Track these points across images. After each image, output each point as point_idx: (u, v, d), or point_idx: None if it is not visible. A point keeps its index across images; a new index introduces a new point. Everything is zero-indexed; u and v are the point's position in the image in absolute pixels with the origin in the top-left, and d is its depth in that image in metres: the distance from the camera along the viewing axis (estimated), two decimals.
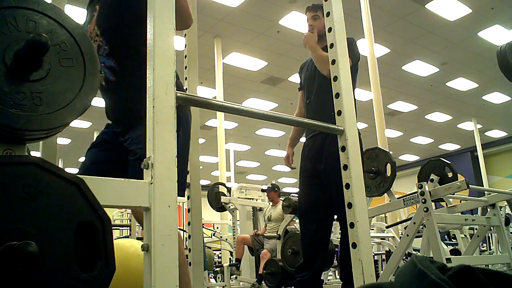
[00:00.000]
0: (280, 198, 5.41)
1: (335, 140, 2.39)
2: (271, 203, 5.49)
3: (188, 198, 2.03)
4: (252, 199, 6.32)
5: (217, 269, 7.22)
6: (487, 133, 13.68)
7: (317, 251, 2.58)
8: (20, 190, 0.73)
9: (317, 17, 2.72)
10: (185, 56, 2.18)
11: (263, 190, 5.73)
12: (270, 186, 5.56)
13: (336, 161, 2.43)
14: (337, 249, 3.17)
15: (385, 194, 3.18)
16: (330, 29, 1.51)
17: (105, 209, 0.83)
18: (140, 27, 1.71)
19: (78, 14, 6.54)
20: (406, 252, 2.82)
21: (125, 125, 1.79)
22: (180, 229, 5.65)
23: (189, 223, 2.03)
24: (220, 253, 8.48)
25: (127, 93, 1.73)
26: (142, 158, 1.67)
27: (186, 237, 5.59)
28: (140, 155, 1.68)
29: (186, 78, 2.15)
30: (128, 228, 6.19)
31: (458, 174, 3.20)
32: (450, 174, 3.17)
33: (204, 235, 4.81)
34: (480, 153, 12.39)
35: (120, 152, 1.75)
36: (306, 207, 2.67)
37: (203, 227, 2.94)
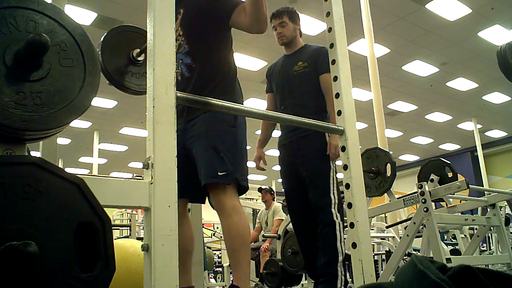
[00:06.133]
0: (279, 201, 5.41)
1: (313, 142, 2.40)
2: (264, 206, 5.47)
3: None
4: (252, 199, 6.31)
5: (217, 269, 7.22)
6: (487, 133, 13.66)
7: (315, 245, 2.50)
8: (20, 190, 0.73)
9: (284, 23, 2.63)
10: None
11: (259, 190, 5.72)
12: (267, 188, 5.55)
13: (311, 161, 2.44)
14: None
15: (385, 194, 3.17)
16: (330, 29, 1.51)
17: (105, 209, 0.83)
18: (220, 32, 1.91)
19: (78, 14, 6.54)
20: (406, 252, 2.81)
21: (184, 119, 1.86)
22: None
23: None
24: (220, 253, 8.47)
25: (196, 88, 1.81)
26: (201, 154, 1.75)
27: None
28: (198, 152, 1.78)
29: None
30: (128, 228, 6.18)
31: (458, 174, 3.20)
32: (450, 174, 3.17)
33: (204, 235, 4.81)
34: (480, 153, 12.38)
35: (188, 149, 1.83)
36: (291, 201, 2.66)
37: (203, 227, 2.94)
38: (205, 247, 4.55)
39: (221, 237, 7.31)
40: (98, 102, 9.47)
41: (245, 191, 1.82)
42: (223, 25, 1.89)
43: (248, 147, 1.94)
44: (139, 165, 13.19)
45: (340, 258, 2.34)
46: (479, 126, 12.49)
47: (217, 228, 8.65)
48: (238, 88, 1.96)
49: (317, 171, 2.47)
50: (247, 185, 1.81)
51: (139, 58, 1.94)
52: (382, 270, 4.23)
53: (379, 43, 7.81)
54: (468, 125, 12.74)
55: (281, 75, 2.72)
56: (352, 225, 1.33)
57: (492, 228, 3.54)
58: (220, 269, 7.25)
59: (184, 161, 1.78)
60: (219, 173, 1.70)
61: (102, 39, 1.87)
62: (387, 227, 4.94)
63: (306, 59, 2.60)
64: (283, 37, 2.67)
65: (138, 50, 1.94)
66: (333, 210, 2.37)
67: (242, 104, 1.90)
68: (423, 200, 2.51)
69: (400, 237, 3.37)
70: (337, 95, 1.44)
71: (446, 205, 3.33)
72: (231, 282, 2.04)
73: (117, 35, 1.94)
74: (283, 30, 2.65)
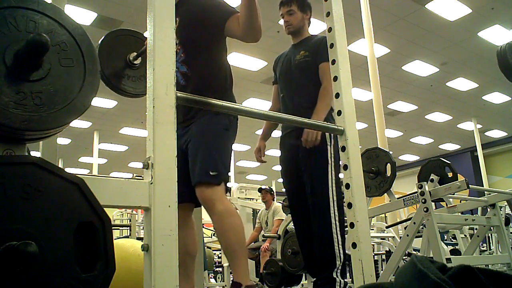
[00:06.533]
0: (279, 202, 5.42)
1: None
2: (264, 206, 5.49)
3: None
4: (252, 199, 6.31)
5: (217, 269, 7.21)
6: (487, 133, 13.66)
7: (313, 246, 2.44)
8: (20, 190, 0.73)
9: (292, 12, 2.58)
10: None
11: (259, 190, 5.72)
12: (267, 188, 5.56)
13: (309, 155, 2.42)
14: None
15: (385, 194, 3.17)
16: (330, 29, 1.51)
17: (105, 209, 0.83)
18: (215, 40, 1.93)
19: (78, 14, 6.54)
20: (406, 252, 2.81)
21: (180, 126, 1.87)
22: None
23: None
24: (220, 253, 8.47)
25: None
26: (195, 154, 1.78)
27: None
28: (192, 152, 1.81)
29: None
30: (128, 228, 6.19)
31: (458, 174, 3.20)
32: (450, 174, 3.17)
33: (204, 235, 4.81)
34: (480, 153, 12.38)
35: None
36: (292, 201, 2.65)
37: (203, 227, 2.94)
38: (205, 247, 4.56)
39: None
40: (98, 102, 9.48)
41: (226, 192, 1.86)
42: (218, 34, 1.91)
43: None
44: (139, 165, 13.21)
45: (338, 263, 2.27)
46: (479, 126, 12.49)
47: None
48: (233, 96, 1.97)
49: (314, 165, 2.43)
50: (228, 188, 1.87)
51: (135, 62, 1.96)
52: (382, 270, 4.24)
53: (379, 43, 7.81)
54: (468, 125, 12.74)
55: (284, 64, 2.69)
56: (352, 225, 1.33)
57: (492, 228, 3.54)
58: (220, 269, 7.25)
59: (185, 166, 1.79)
60: (211, 173, 1.73)
61: (99, 42, 1.89)
62: (387, 227, 4.94)
63: (308, 48, 2.57)
64: (289, 26, 2.62)
65: (135, 53, 1.95)
66: (331, 209, 2.31)
67: (236, 116, 1.92)
68: (423, 200, 2.51)
69: (400, 237, 3.37)
70: (337, 95, 1.44)
71: (446, 205, 3.33)
72: (231, 281, 2.05)
73: (114, 39, 1.96)
74: (291, 18, 2.60)
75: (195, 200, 1.86)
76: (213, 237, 7.60)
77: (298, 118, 1.44)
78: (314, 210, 2.40)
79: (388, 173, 3.17)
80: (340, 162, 1.43)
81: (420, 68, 9.22)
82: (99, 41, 1.89)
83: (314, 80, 2.51)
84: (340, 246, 2.29)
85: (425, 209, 2.49)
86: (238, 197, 5.72)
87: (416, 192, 2.58)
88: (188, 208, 1.90)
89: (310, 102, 2.44)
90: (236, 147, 12.97)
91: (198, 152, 1.79)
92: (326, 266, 2.30)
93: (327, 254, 2.30)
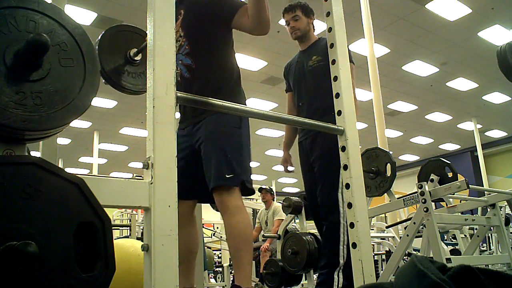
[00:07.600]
0: (279, 202, 5.42)
1: (325, 140, 2.39)
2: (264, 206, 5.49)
3: None
4: (252, 199, 6.31)
5: (217, 269, 7.21)
6: (487, 133, 13.66)
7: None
8: (20, 190, 0.73)
9: (297, 17, 2.60)
10: None
11: (260, 190, 5.72)
12: (268, 188, 5.56)
13: (322, 158, 2.43)
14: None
15: (385, 194, 3.17)
16: (330, 29, 1.51)
17: (105, 209, 0.83)
18: (222, 33, 1.92)
19: (78, 14, 6.54)
20: (406, 252, 2.81)
21: (190, 122, 1.87)
22: None
23: None
24: (220, 253, 8.47)
25: (197, 89, 1.80)
26: (209, 157, 1.77)
27: None
28: (206, 154, 1.79)
29: None
30: (128, 228, 6.19)
31: (458, 174, 3.20)
32: (450, 174, 3.17)
33: (204, 235, 4.81)
34: (480, 153, 12.37)
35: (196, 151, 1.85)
36: (310, 204, 2.66)
37: (203, 227, 2.94)
38: (205, 247, 4.55)
39: (221, 237, 7.32)
40: (98, 102, 9.48)
41: (251, 193, 1.82)
42: (225, 27, 1.89)
43: None
44: (139, 165, 13.20)
45: (341, 262, 2.27)
46: (479, 126, 12.48)
47: (217, 228, 8.65)
48: (242, 91, 1.96)
49: (326, 167, 2.44)
50: (252, 188, 1.82)
51: (136, 58, 1.93)
52: (382, 270, 4.23)
53: (379, 43, 7.80)
54: (468, 125, 12.74)
55: (297, 72, 2.69)
56: (352, 225, 1.33)
57: (492, 228, 3.54)
58: (220, 269, 7.25)
59: (194, 163, 1.78)
60: (227, 176, 1.71)
61: (99, 38, 1.86)
62: (387, 227, 4.94)
63: (320, 52, 2.55)
64: (296, 31, 2.63)
65: (135, 49, 1.93)
66: (341, 209, 2.31)
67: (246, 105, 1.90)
68: (423, 200, 2.51)
69: (400, 237, 3.37)
70: (337, 95, 1.44)
71: (446, 205, 3.33)
72: (231, 282, 2.05)
73: (114, 35, 1.94)
74: (297, 23, 2.61)
75: (198, 197, 1.86)
76: (213, 237, 7.61)
77: (298, 118, 1.44)
78: (323, 209, 2.41)
79: (388, 173, 3.16)
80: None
81: (420, 68, 9.22)
82: (99, 37, 1.87)
83: (331, 84, 2.50)
84: (345, 246, 2.30)
85: (425, 209, 2.49)
86: None
87: (416, 192, 2.58)
88: (191, 205, 1.89)
89: (328, 105, 2.44)
90: None
91: (212, 155, 1.76)
92: (328, 264, 2.31)
93: (330, 255, 2.31)
